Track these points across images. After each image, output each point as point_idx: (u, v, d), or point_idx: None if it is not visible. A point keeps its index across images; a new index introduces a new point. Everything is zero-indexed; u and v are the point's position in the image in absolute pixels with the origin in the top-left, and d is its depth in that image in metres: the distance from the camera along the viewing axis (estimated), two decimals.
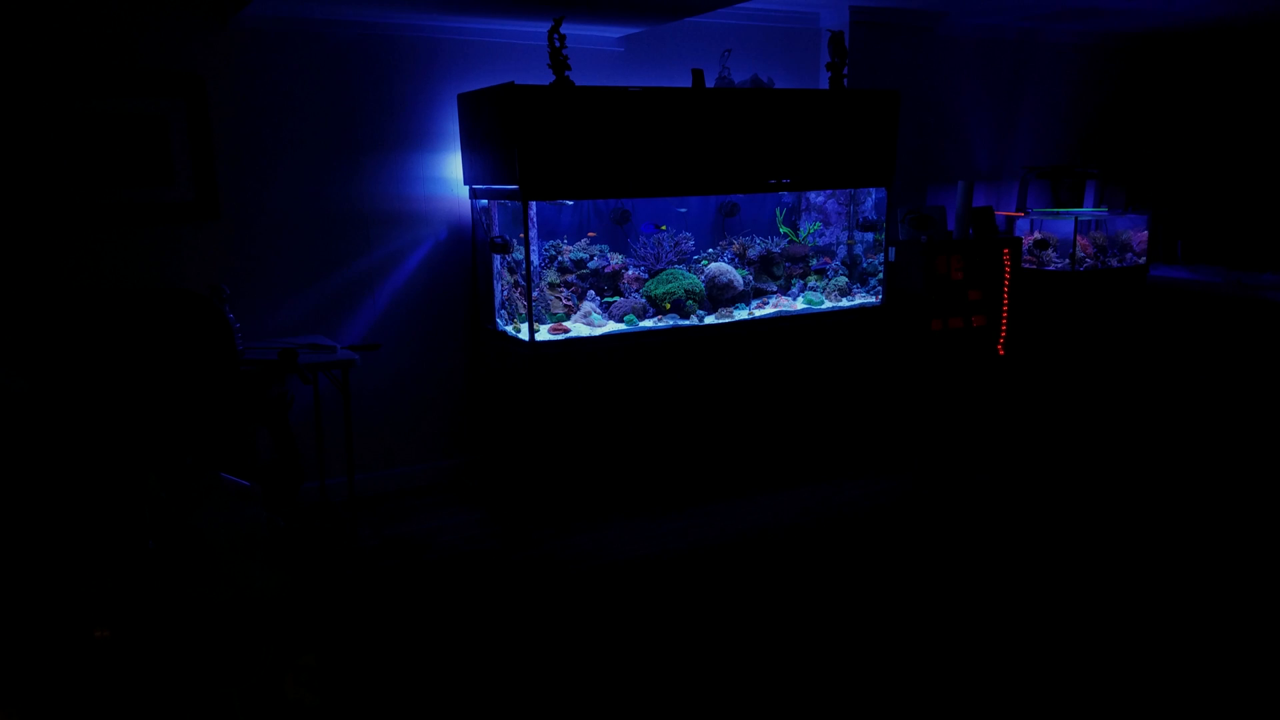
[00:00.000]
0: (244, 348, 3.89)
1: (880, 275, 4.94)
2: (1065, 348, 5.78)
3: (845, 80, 4.77)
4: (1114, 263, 6.01)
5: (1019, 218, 6.12)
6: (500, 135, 3.99)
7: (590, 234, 4.70)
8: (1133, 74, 6.79)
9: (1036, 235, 6.00)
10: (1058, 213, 5.97)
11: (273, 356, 3.72)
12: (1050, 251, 5.93)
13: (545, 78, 4.08)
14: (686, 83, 4.52)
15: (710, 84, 4.67)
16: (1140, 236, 6.15)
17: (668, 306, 4.44)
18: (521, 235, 4.15)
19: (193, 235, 4.09)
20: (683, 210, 4.85)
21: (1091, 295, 5.82)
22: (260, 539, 1.64)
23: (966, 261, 5.17)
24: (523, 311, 4.24)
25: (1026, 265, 5.85)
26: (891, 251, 5.00)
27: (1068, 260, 5.85)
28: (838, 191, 5.11)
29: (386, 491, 4.61)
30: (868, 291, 5.02)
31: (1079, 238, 5.80)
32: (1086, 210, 6.07)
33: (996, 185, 6.32)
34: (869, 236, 5.07)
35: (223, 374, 2.44)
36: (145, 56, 3.88)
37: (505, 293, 4.46)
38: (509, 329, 4.33)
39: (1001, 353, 5.39)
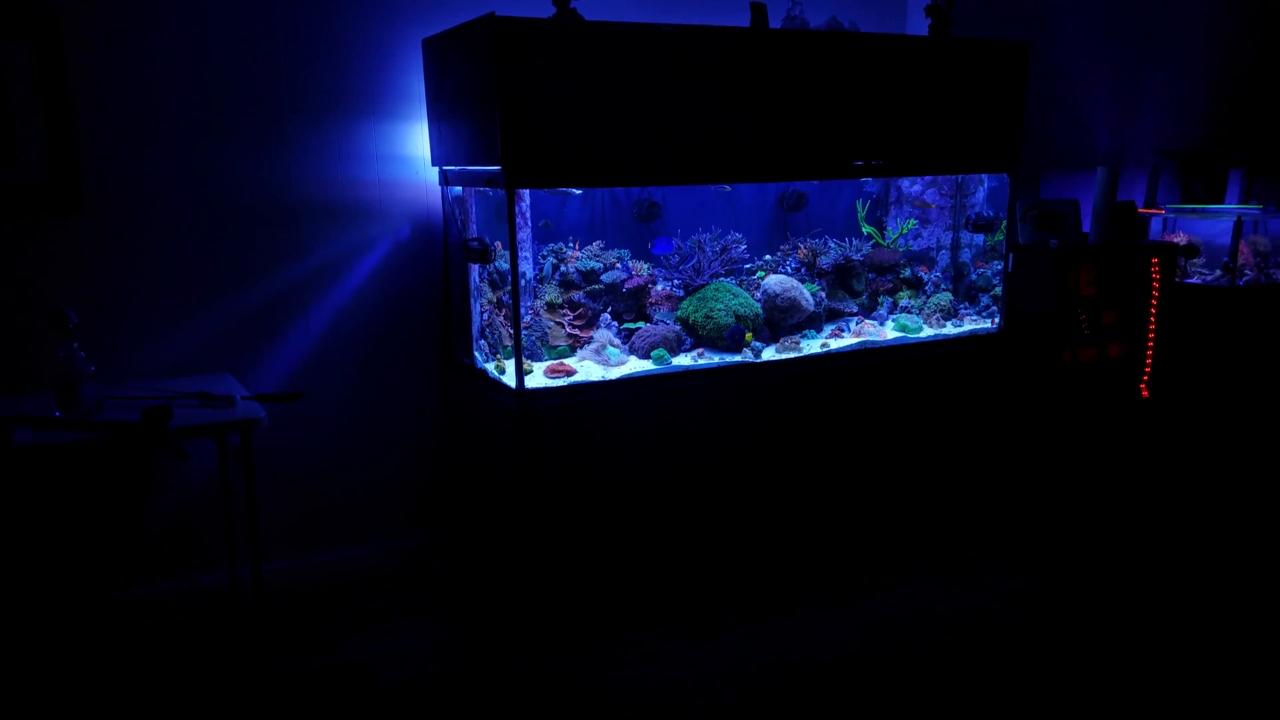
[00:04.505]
0: (98, 398, 2.67)
1: (996, 291, 3.67)
2: (1223, 386, 4.46)
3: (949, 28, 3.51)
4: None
5: (1153, 215, 4.81)
6: (477, 92, 2.75)
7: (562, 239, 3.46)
8: None
9: (1182, 239, 4.70)
10: (1209, 210, 4.65)
11: (134, 416, 2.51)
12: (1197, 260, 4.63)
13: (541, 11, 2.85)
14: (735, 23, 3.25)
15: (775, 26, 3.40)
16: None
17: (749, 338, 3.21)
18: (508, 236, 2.90)
19: (43, 233, 2.89)
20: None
21: (1255, 317, 4.50)
22: None
23: (1099, 273, 3.88)
24: (508, 344, 3.01)
25: None
26: (1011, 260, 3.72)
27: (1219, 271, 4.54)
28: (939, 179, 3.84)
29: (322, 586, 3.39)
30: (979, 313, 3.75)
31: (1240, 242, 4.49)
32: (1235, 207, 4.76)
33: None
34: (979, 239, 3.80)
35: None
36: None
37: (486, 315, 3.23)
38: (490, 367, 3.09)
39: (1145, 395, 4.09)
